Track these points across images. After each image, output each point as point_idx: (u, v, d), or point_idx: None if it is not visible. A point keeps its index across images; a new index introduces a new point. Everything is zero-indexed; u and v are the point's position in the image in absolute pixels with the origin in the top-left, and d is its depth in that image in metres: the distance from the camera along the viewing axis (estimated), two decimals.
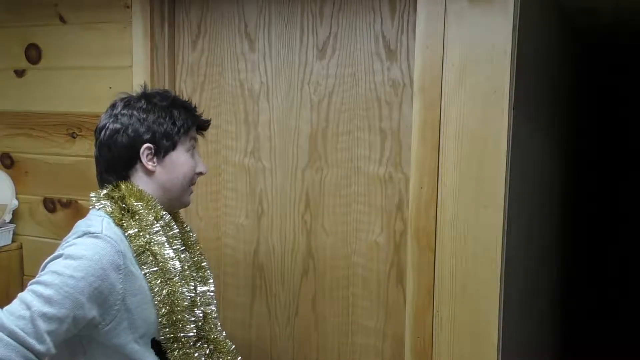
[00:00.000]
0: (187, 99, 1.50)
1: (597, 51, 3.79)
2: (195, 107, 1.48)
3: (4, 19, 2.24)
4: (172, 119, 1.39)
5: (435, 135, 1.68)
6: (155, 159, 1.38)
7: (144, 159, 1.36)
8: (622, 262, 4.70)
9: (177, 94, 2.08)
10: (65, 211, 2.20)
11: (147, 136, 1.36)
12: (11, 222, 2.27)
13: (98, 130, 1.40)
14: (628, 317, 4.28)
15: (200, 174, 1.47)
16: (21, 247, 2.28)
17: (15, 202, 2.27)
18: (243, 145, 2.02)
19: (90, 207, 1.38)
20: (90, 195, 1.39)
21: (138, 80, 2.02)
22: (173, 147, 1.39)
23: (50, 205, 2.23)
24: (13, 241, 2.27)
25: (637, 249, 4.61)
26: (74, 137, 2.15)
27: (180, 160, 1.41)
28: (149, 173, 1.38)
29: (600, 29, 3.06)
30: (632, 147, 4.73)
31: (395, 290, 1.85)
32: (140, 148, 1.36)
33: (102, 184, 1.40)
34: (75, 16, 2.13)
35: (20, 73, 2.24)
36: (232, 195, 2.05)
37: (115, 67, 2.08)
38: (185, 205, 1.48)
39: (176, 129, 1.39)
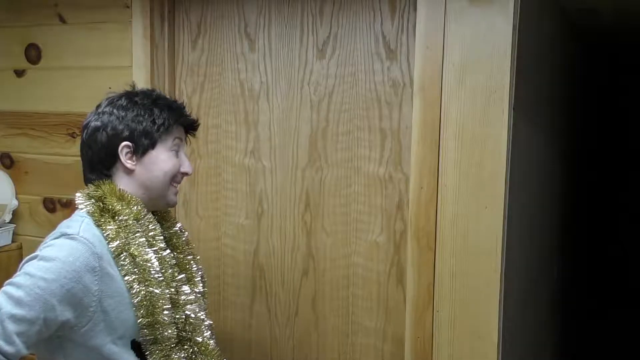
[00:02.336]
0: (176, 99, 1.48)
1: (597, 51, 3.79)
2: (182, 106, 1.46)
3: (4, 19, 2.24)
4: (152, 116, 1.37)
5: (435, 135, 1.68)
6: (134, 158, 1.37)
7: (122, 157, 1.36)
8: (622, 262, 4.70)
9: (177, 94, 2.09)
10: (65, 211, 2.20)
11: (125, 134, 1.35)
12: (11, 222, 2.27)
13: (82, 129, 1.41)
14: (628, 317, 4.28)
15: (185, 174, 1.45)
16: (21, 247, 2.27)
17: (15, 202, 2.27)
18: (243, 145, 2.02)
19: (77, 207, 1.37)
20: (76, 194, 1.38)
21: (138, 80, 2.02)
22: (152, 145, 1.38)
23: (50, 205, 2.23)
24: (13, 241, 2.27)
25: (637, 249, 4.61)
26: (74, 137, 2.15)
27: (160, 158, 1.39)
28: (129, 172, 1.37)
29: (600, 29, 3.06)
30: (632, 147, 4.73)
31: (395, 290, 1.85)
32: (118, 146, 1.35)
33: (86, 183, 1.40)
34: (75, 16, 2.13)
35: (20, 73, 2.24)
36: (232, 195, 2.05)
37: (115, 67, 2.08)
38: (171, 204, 1.46)
39: (156, 127, 1.37)
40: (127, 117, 1.36)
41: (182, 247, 1.47)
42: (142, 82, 2.01)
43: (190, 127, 1.48)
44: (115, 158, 1.37)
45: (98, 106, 1.41)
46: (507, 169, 1.62)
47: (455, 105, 1.65)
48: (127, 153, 1.36)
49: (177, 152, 1.43)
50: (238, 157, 2.03)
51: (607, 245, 4.70)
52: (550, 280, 2.79)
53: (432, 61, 1.67)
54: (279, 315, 2.02)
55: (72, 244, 1.25)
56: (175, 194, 1.45)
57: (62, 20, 2.15)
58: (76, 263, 1.22)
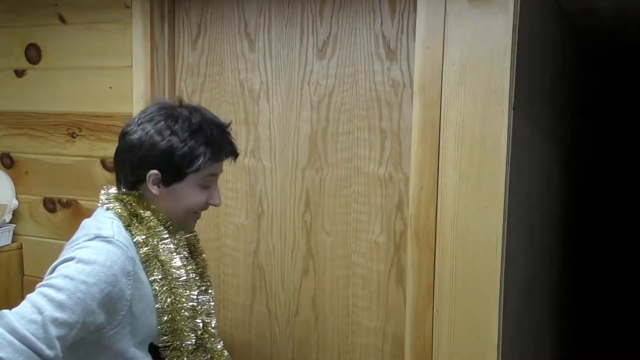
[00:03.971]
0: (221, 124, 1.39)
1: (597, 51, 3.79)
2: (224, 140, 1.38)
3: (4, 19, 2.24)
4: (185, 151, 1.31)
5: (435, 135, 1.68)
6: (160, 185, 1.34)
7: (149, 183, 1.34)
8: (622, 262, 4.70)
9: (177, 94, 2.08)
10: (65, 211, 2.20)
11: (154, 162, 1.32)
12: (11, 222, 2.27)
13: (120, 136, 1.37)
14: (628, 317, 4.28)
15: (213, 204, 1.43)
16: (21, 247, 2.27)
17: (15, 202, 2.27)
18: (243, 145, 2.02)
19: (100, 204, 1.36)
20: (102, 190, 1.38)
21: (138, 80, 2.02)
22: (180, 179, 1.34)
23: (50, 205, 2.23)
24: (13, 241, 2.27)
25: (637, 249, 4.61)
26: (74, 137, 2.15)
27: (185, 192, 1.36)
28: (154, 194, 1.35)
29: (601, 30, 3.06)
30: (632, 146, 4.73)
31: (395, 290, 1.85)
32: (146, 172, 1.33)
33: (118, 185, 1.39)
34: (75, 16, 2.13)
35: (20, 73, 2.24)
36: (232, 195, 2.05)
37: (115, 67, 2.08)
38: (187, 229, 1.46)
39: (186, 163, 1.32)
40: (160, 145, 1.31)
41: (200, 256, 1.49)
42: (142, 82, 2.02)
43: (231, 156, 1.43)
44: (142, 180, 1.34)
45: (143, 112, 1.36)
46: (507, 169, 1.62)
47: (455, 105, 1.65)
48: (154, 180, 1.33)
49: (207, 185, 1.39)
50: (238, 157, 2.03)
51: (607, 245, 4.70)
52: (550, 280, 2.79)
53: (432, 61, 1.67)
54: (279, 315, 2.02)
55: (109, 247, 1.24)
56: (196, 220, 1.44)
57: (62, 20, 2.15)
58: (114, 267, 1.21)
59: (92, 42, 2.11)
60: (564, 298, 3.30)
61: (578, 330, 3.92)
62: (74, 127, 2.16)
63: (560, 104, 2.77)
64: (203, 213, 2.07)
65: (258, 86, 1.99)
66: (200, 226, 2.09)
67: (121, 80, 2.06)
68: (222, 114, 2.03)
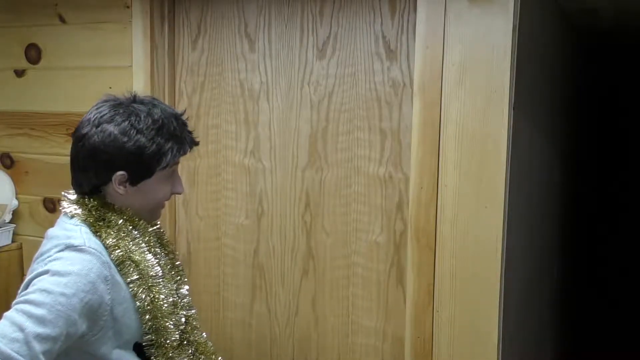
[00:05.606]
0: (179, 117, 1.35)
1: (597, 52, 3.79)
2: (186, 134, 1.35)
3: (4, 19, 2.24)
4: (159, 149, 1.28)
5: (435, 135, 1.68)
6: (127, 184, 1.31)
7: (114, 184, 1.30)
8: (622, 262, 4.70)
9: (177, 94, 2.09)
10: None
11: (122, 164, 1.28)
12: (11, 222, 2.27)
13: (78, 137, 1.31)
14: (628, 316, 4.28)
15: (177, 193, 1.41)
16: (21, 247, 2.27)
17: (15, 202, 2.27)
18: (243, 145, 2.02)
19: (62, 208, 1.33)
20: (63, 193, 1.34)
21: (138, 80, 2.02)
22: (149, 176, 1.32)
23: (50, 205, 2.23)
24: (13, 241, 2.27)
25: (637, 249, 4.61)
26: None
27: (154, 186, 1.33)
28: (119, 194, 1.32)
29: (601, 30, 3.06)
30: (632, 147, 4.74)
31: (395, 290, 1.85)
32: (112, 174, 1.29)
33: (75, 187, 1.34)
34: (75, 16, 2.13)
35: (20, 73, 2.24)
36: (232, 195, 2.05)
37: (115, 67, 2.08)
38: (154, 220, 1.43)
39: (156, 161, 1.29)
40: (128, 147, 1.26)
41: (168, 246, 1.46)
42: (142, 82, 2.02)
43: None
44: (107, 180, 1.31)
45: (98, 111, 1.30)
46: (507, 169, 1.62)
47: (455, 105, 1.65)
48: (120, 182, 1.30)
49: (171, 174, 1.37)
50: (238, 157, 2.03)
51: (607, 245, 4.70)
52: (551, 280, 2.79)
53: (432, 61, 1.67)
54: (279, 315, 2.02)
55: (83, 256, 1.22)
56: (161, 210, 1.43)
57: (62, 20, 2.15)
58: (90, 275, 1.20)
59: (92, 42, 2.11)
60: (564, 298, 3.30)
61: (578, 330, 3.92)
62: (74, 127, 2.13)
63: (560, 103, 2.77)
64: (203, 213, 2.09)
65: (258, 86, 1.99)
66: (200, 226, 2.09)
67: (121, 80, 2.06)
68: (222, 114, 2.04)
